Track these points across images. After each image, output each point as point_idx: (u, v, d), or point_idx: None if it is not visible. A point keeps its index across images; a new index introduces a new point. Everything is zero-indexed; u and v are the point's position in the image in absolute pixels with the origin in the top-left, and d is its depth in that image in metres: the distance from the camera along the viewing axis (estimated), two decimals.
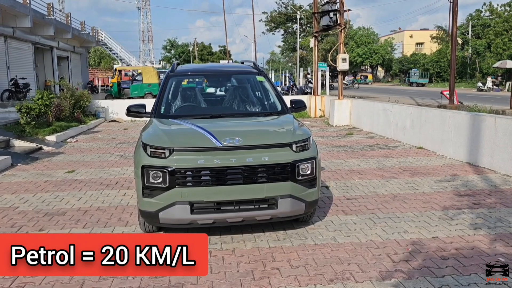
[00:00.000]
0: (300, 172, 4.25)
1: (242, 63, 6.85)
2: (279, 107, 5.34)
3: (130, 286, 3.51)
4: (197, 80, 6.78)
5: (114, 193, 6.27)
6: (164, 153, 4.10)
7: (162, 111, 5.18)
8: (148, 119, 5.19)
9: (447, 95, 15.80)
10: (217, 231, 4.62)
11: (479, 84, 38.41)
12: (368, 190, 6.28)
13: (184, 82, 6.48)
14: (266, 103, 5.63)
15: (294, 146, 4.28)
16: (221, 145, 4.13)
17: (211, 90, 7.21)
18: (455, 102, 15.40)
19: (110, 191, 6.42)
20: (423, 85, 49.87)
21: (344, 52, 14.48)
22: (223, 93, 6.43)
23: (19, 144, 10.13)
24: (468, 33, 52.40)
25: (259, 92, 5.86)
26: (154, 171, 4.07)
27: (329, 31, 17.33)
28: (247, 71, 6.14)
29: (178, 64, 6.16)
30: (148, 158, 4.15)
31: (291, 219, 4.56)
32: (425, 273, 3.66)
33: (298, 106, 5.42)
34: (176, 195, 4.04)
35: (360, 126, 13.44)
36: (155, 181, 4.07)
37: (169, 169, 4.02)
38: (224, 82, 6.48)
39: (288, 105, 5.40)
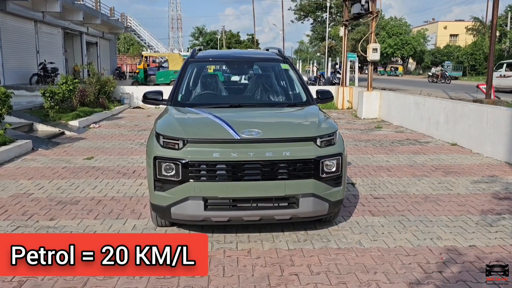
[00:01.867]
0: (324, 169, 3.89)
1: (267, 50, 6.48)
2: (304, 98, 4.98)
3: (136, 287, 3.26)
4: (219, 67, 6.47)
5: (130, 183, 6.06)
6: (178, 144, 3.81)
7: (179, 99, 4.89)
8: (165, 106, 4.92)
9: (484, 89, 14.97)
10: (234, 229, 4.32)
11: None
12: (397, 189, 5.86)
13: (211, 70, 6.18)
14: (290, 93, 5.27)
15: (318, 141, 3.92)
16: (239, 137, 3.81)
17: (231, 78, 6.89)
18: (492, 97, 14.55)
19: (127, 180, 6.21)
20: (456, 78, 48.08)
21: (375, 42, 13.90)
22: (245, 81, 6.10)
23: (42, 129, 10.11)
24: (506, 25, 50.06)
25: (283, 81, 5.50)
26: (167, 163, 3.79)
27: (360, 20, 16.68)
28: (271, 58, 5.77)
29: (199, 50, 5.86)
30: (161, 149, 3.87)
31: (313, 219, 4.21)
32: (461, 287, 3.27)
33: (325, 97, 5.06)
34: (189, 190, 3.75)
35: (390, 120, 12.88)
36: (168, 174, 3.80)
37: (182, 161, 3.73)
38: (246, 69, 6.13)
39: (314, 96, 5.04)
